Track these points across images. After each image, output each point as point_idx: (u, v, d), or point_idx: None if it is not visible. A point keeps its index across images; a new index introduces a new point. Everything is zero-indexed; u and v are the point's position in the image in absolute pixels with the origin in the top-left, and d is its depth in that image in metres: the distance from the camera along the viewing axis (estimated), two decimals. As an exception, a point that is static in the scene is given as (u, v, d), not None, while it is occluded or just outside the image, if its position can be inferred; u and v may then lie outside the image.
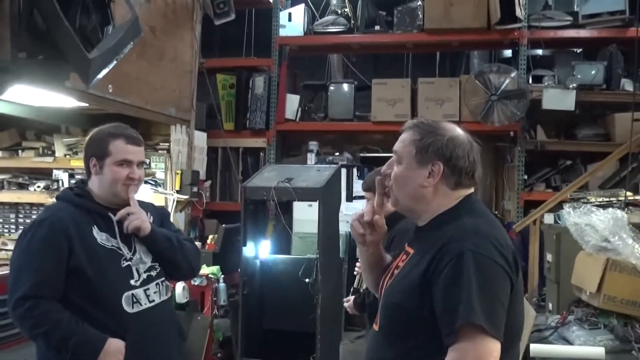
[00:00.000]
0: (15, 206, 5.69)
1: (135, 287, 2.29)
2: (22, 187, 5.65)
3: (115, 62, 3.23)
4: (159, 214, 2.60)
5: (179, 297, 4.61)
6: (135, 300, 2.27)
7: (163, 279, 2.41)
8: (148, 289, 2.33)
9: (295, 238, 5.62)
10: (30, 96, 4.03)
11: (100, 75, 3.14)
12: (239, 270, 4.76)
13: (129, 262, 2.31)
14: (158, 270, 2.39)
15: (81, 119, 5.39)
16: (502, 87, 5.73)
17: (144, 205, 2.49)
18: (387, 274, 1.84)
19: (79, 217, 2.28)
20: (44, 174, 5.63)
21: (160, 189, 5.31)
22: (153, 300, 2.33)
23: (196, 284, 4.72)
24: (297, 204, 5.47)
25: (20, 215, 5.68)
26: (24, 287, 2.15)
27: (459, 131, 1.78)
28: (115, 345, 2.19)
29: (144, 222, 2.35)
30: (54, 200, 2.50)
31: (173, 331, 2.46)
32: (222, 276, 4.85)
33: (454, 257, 1.57)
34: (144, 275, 2.33)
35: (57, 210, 2.32)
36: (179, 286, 4.57)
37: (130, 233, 2.34)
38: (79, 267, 2.20)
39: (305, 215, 5.44)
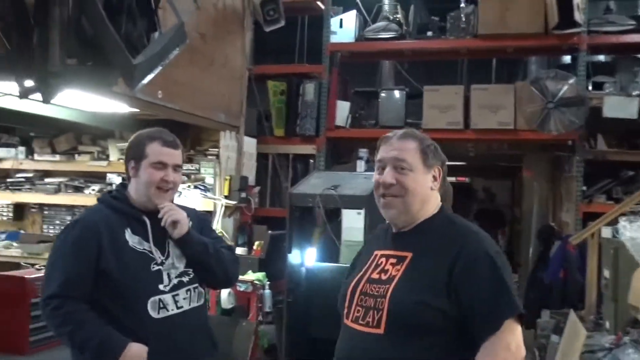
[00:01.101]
0: (71, 208, 5.86)
1: (163, 292, 2.26)
2: (77, 190, 5.83)
3: (160, 67, 3.26)
4: (200, 219, 2.57)
5: (224, 303, 4.63)
6: (162, 305, 2.24)
7: (196, 285, 2.37)
8: (177, 294, 2.29)
9: (343, 246, 5.56)
10: (85, 101, 4.15)
11: (145, 81, 3.17)
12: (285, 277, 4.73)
13: (160, 267, 2.28)
14: (191, 276, 2.35)
15: (134, 125, 5.49)
16: (560, 94, 5.51)
17: (186, 209, 2.46)
18: (361, 279, 1.88)
19: (113, 219, 2.29)
20: (99, 177, 5.79)
21: (209, 194, 5.36)
22: (182, 307, 2.30)
23: (242, 289, 4.72)
24: (346, 212, 5.38)
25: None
26: (53, 286, 2.19)
27: None
28: (136, 350, 2.17)
29: (183, 219, 2.34)
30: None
31: (204, 339, 2.40)
32: (268, 282, 4.84)
33: (481, 257, 1.74)
34: (175, 281, 2.30)
35: (92, 212, 2.36)
36: (224, 292, 4.59)
37: (165, 235, 2.32)
38: (107, 269, 2.21)
39: (354, 223, 5.34)
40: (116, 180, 5.63)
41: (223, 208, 5.31)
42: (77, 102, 4.16)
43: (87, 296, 2.21)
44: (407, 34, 6.42)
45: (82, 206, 5.81)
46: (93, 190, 5.69)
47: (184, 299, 2.31)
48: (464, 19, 6.04)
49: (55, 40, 2.99)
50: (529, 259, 6.78)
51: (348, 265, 4.88)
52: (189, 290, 2.33)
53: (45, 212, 5.92)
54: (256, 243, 5.38)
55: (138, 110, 4.44)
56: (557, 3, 5.62)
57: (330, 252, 5.39)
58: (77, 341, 2.19)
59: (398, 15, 6.57)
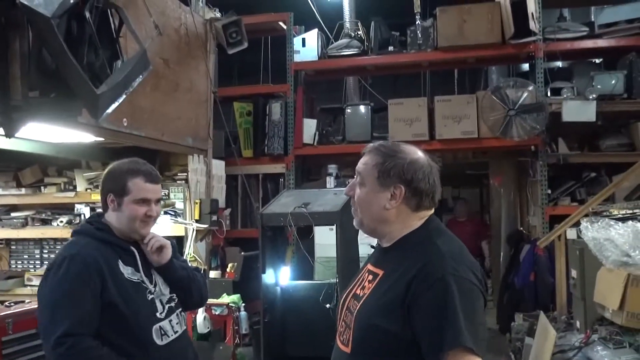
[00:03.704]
0: (39, 242, 5.76)
1: (161, 320, 2.32)
2: (45, 222, 5.72)
3: (124, 96, 3.26)
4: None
5: (201, 327, 4.59)
6: (163, 332, 2.30)
7: (181, 309, 2.45)
8: (171, 320, 2.36)
9: (317, 263, 5.58)
10: (49, 133, 4.11)
11: (109, 110, 3.17)
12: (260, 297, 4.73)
13: (153, 295, 2.33)
14: (176, 301, 2.43)
15: (101, 153, 5.46)
16: (520, 102, 5.66)
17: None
18: (349, 294, 1.86)
19: (105, 251, 2.28)
20: (67, 208, 5.70)
21: (179, 219, 5.33)
22: (177, 331, 2.37)
23: (217, 313, 4.70)
24: (318, 229, 5.43)
25: (45, 251, 5.74)
26: (62, 325, 2.12)
27: (419, 154, 1.80)
28: None
29: (167, 244, 2.40)
30: (71, 235, 2.47)
31: (194, 358, 2.50)
32: (243, 304, 4.82)
33: (436, 281, 1.61)
34: (166, 307, 2.36)
35: (85, 245, 2.30)
36: (200, 316, 4.56)
37: (149, 263, 2.38)
38: (111, 303, 2.20)
39: (327, 240, 5.38)
40: (85, 210, 5.57)
41: (194, 232, 5.29)
42: (41, 134, 4.11)
43: (94, 331, 2.18)
44: (369, 49, 6.53)
45: (51, 239, 5.73)
46: (61, 222, 5.60)
47: (177, 323, 2.38)
48: (420, 35, 6.16)
49: (16, 73, 2.98)
50: (500, 264, 6.88)
51: (322, 282, 4.92)
52: (177, 314, 2.41)
53: (13, 247, 5.81)
54: (229, 265, 5.36)
55: (103, 139, 4.41)
56: (512, 13, 5.79)
57: (305, 269, 5.41)
58: None
59: (359, 32, 6.68)
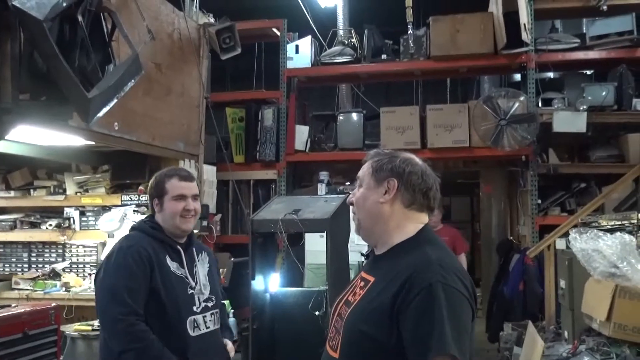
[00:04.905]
0: (27, 245, 5.71)
1: (196, 313, 2.56)
2: (34, 225, 5.68)
3: (116, 100, 3.26)
4: (214, 261, 2.86)
5: (189, 333, 4.56)
6: (196, 325, 2.54)
7: (217, 310, 2.69)
8: (205, 316, 2.60)
9: (307, 270, 5.56)
10: (39, 136, 4.09)
11: (100, 114, 3.16)
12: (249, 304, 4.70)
13: (193, 291, 2.58)
14: (214, 302, 2.67)
15: (91, 157, 5.45)
16: (511, 112, 5.69)
17: (205, 250, 2.82)
18: (341, 300, 1.88)
19: (155, 246, 2.56)
20: (56, 212, 5.66)
21: (170, 223, 5.31)
22: (209, 327, 2.60)
23: (206, 319, 4.67)
24: (308, 236, 5.41)
25: (33, 254, 5.68)
26: (122, 305, 2.40)
27: (416, 158, 1.88)
28: None
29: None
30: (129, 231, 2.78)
31: (225, 356, 2.73)
32: (232, 310, 4.80)
33: (424, 288, 1.62)
34: (203, 304, 2.60)
35: (138, 239, 2.59)
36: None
37: (193, 263, 2.64)
38: (155, 290, 2.46)
39: (317, 247, 5.37)
40: (74, 214, 5.53)
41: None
42: (31, 136, 4.09)
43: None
44: (362, 57, 6.55)
45: (40, 242, 5.69)
46: (50, 225, 5.55)
47: (210, 320, 2.63)
48: (412, 44, 6.18)
49: (6, 76, 2.97)
50: (490, 273, 6.90)
51: (312, 289, 4.90)
52: (212, 313, 2.65)
53: (0, 250, 5.74)
54: (219, 271, 5.34)
55: (94, 142, 4.39)
56: (505, 24, 5.83)
57: (295, 276, 5.39)
58: (144, 359, 2.40)
59: (353, 40, 6.70)
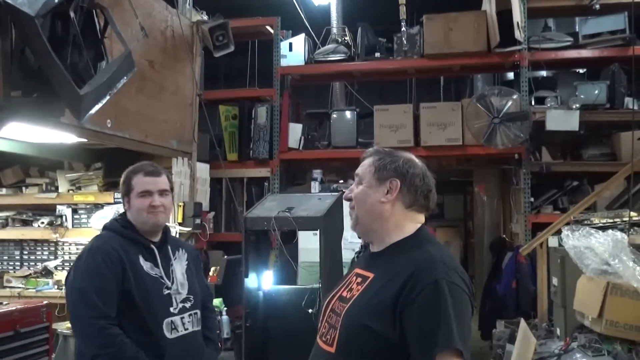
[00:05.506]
0: (19, 243, 5.69)
1: (173, 315, 2.50)
2: (26, 223, 5.65)
3: (108, 97, 3.25)
4: (196, 259, 2.81)
5: (182, 331, 4.55)
6: (173, 326, 2.48)
7: (196, 311, 2.61)
8: (183, 317, 2.53)
9: (301, 268, 5.56)
10: (31, 133, 4.06)
11: (92, 111, 3.15)
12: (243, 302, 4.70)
13: (169, 291, 2.52)
14: (192, 302, 2.59)
15: (84, 154, 5.43)
16: (504, 110, 5.70)
17: (185, 246, 2.78)
18: (334, 296, 1.89)
19: (127, 246, 2.50)
20: (48, 209, 5.64)
21: (163, 221, 5.29)
22: (187, 329, 2.53)
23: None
24: (302, 233, 5.40)
25: (25, 252, 5.66)
26: (93, 307, 2.34)
27: (416, 159, 1.90)
28: None
29: None
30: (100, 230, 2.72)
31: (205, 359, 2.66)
32: (225, 309, 4.80)
33: (429, 284, 1.65)
34: (180, 305, 2.54)
35: (108, 239, 2.54)
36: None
37: (169, 262, 2.57)
38: (128, 291, 2.40)
39: (310, 244, 5.37)
40: (66, 211, 5.52)
41: (177, 235, 5.25)
42: (23, 134, 4.07)
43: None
44: (355, 55, 6.54)
45: (32, 240, 5.67)
46: (42, 223, 5.53)
47: (189, 322, 2.55)
48: (406, 42, 6.18)
49: (-2, 72, 2.95)
50: (483, 270, 6.92)
51: (306, 286, 4.90)
52: (191, 314, 2.57)
53: (-9, 248, 5.73)
54: (212, 269, 5.33)
55: (86, 140, 4.37)
56: (498, 22, 5.84)
57: (288, 274, 5.38)
58: None
59: (346, 38, 6.70)
